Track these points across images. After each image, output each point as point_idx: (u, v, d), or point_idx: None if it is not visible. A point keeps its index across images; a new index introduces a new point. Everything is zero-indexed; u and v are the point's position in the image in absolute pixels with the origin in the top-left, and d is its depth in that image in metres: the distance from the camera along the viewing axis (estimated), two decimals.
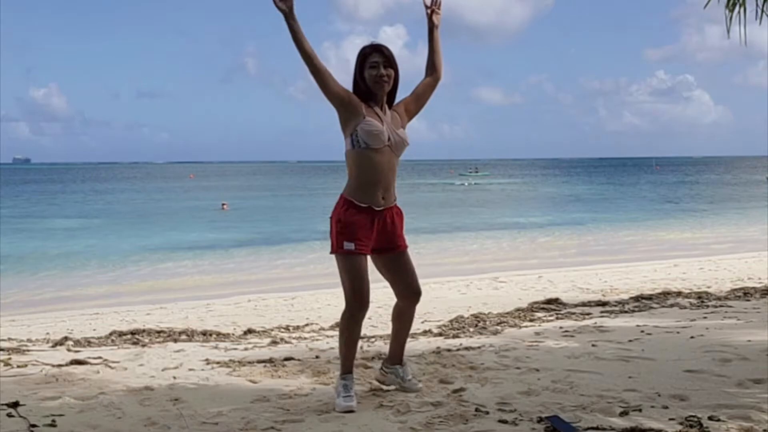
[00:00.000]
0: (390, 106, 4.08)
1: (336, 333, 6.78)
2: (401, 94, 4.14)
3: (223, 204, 40.93)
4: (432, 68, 4.20)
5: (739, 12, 5.57)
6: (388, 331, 6.05)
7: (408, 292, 4.14)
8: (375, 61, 3.95)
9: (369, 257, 4.02)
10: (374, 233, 3.96)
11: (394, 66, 4.00)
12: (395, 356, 4.27)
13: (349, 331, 4.03)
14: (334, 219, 3.97)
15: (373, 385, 4.30)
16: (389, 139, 3.94)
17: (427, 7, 4.17)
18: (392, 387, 4.22)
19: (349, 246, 3.90)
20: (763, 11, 5.52)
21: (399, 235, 4.08)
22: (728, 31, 5.58)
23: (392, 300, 4.20)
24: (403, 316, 4.24)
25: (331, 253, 4.02)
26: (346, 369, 4.05)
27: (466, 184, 68.02)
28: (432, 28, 4.17)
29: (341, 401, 3.90)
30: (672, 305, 7.40)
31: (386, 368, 4.29)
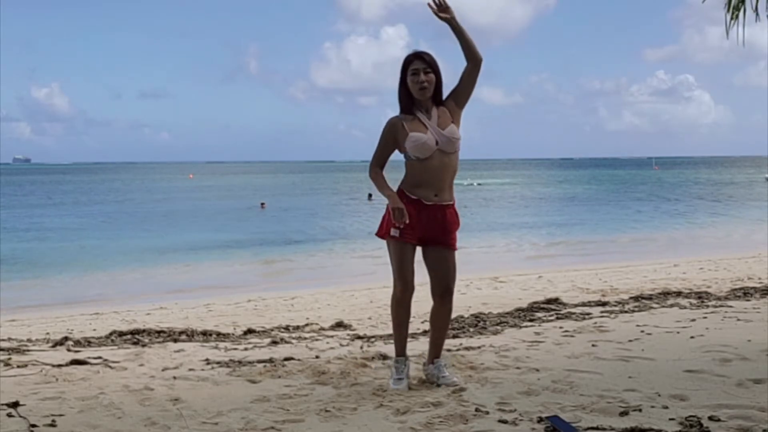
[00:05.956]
0: (439, 103, 4.25)
1: (336, 333, 6.82)
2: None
3: (262, 203, 42.03)
4: (467, 56, 4.23)
5: (738, 14, 5.56)
6: (388, 331, 6.05)
7: (438, 288, 4.30)
8: (416, 68, 4.18)
9: (420, 250, 4.28)
10: (421, 224, 4.19)
11: (435, 69, 4.20)
12: (429, 354, 4.44)
13: (396, 312, 4.32)
14: (388, 207, 4.20)
15: (374, 385, 4.31)
16: (437, 143, 4.15)
17: (433, 11, 4.20)
18: (399, 387, 4.21)
19: (395, 233, 4.19)
20: (756, 11, 5.52)
21: (447, 233, 4.26)
22: (727, 33, 5.58)
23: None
24: (433, 317, 4.41)
25: (378, 236, 4.36)
26: (397, 351, 4.37)
27: (476, 184, 67.99)
28: (448, 22, 4.20)
29: (390, 382, 4.26)
30: (672, 305, 7.38)
31: (424, 367, 4.45)
